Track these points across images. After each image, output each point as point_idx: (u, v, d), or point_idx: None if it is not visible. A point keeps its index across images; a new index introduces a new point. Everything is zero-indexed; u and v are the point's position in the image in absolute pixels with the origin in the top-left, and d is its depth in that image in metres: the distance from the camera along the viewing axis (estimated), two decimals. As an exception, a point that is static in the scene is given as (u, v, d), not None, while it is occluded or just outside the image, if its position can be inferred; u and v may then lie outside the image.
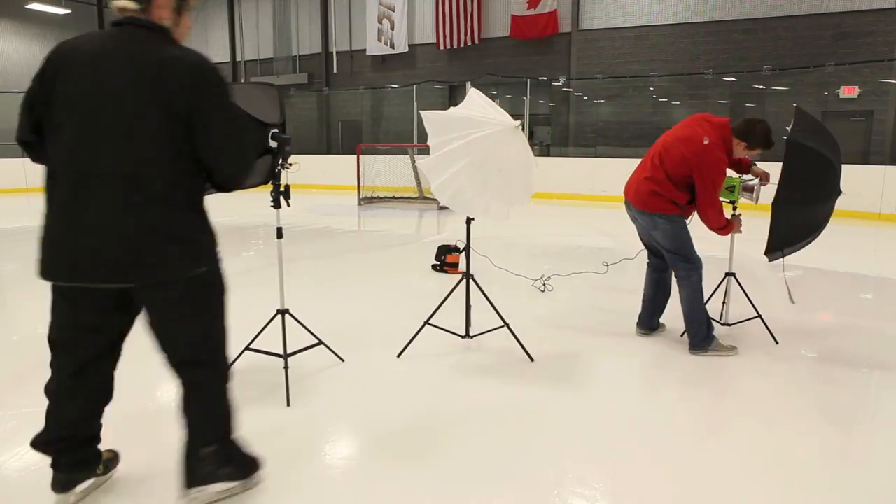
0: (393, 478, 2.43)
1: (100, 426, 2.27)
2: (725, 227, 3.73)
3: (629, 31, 14.53)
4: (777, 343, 3.99)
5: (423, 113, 3.53)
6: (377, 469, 2.50)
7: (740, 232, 3.85)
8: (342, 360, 3.61)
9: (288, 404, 3.04)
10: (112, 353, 2.22)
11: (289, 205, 3.03)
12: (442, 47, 16.58)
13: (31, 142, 2.02)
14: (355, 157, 13.15)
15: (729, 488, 2.38)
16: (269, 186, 3.01)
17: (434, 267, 6.15)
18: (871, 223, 10.13)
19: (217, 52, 20.78)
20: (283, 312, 3.27)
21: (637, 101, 14.57)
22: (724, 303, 4.23)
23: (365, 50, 18.02)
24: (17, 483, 2.38)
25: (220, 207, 10.80)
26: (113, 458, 2.39)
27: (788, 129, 3.61)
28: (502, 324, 3.76)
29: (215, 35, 20.73)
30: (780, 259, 3.92)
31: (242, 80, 19.99)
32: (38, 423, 2.88)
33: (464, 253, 3.90)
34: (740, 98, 13.37)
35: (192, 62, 1.90)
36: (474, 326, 3.89)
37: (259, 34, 20.00)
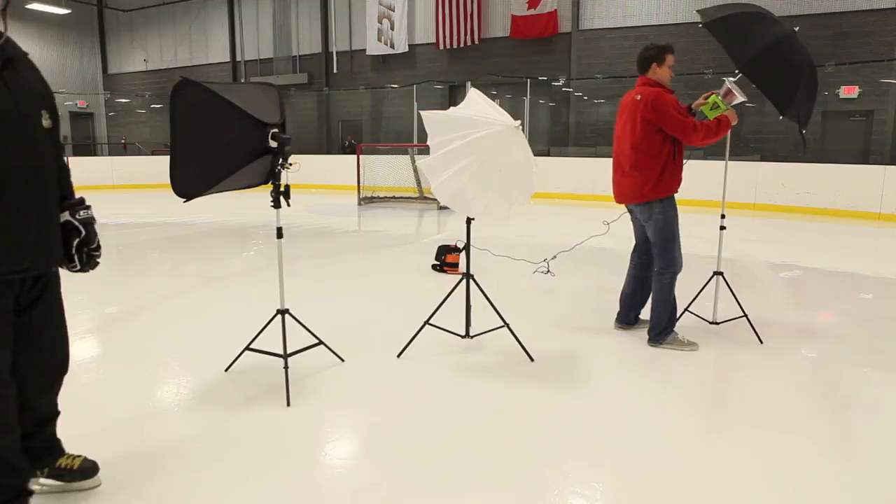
0: (393, 478, 2.43)
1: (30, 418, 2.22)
2: (719, 126, 3.70)
3: (629, 30, 14.53)
4: (762, 343, 3.98)
5: (422, 113, 3.53)
6: (377, 469, 2.50)
7: (736, 121, 3.81)
8: (342, 360, 3.61)
9: (288, 404, 3.04)
10: None
11: (289, 205, 3.03)
12: (442, 47, 16.58)
13: None
14: (355, 156, 13.15)
15: (729, 488, 2.38)
16: (269, 186, 3.01)
17: (434, 267, 6.15)
18: (871, 223, 10.14)
19: (217, 52, 20.79)
20: (283, 312, 3.27)
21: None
22: (715, 302, 4.25)
23: (365, 50, 18.02)
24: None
25: (221, 207, 10.77)
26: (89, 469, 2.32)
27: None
28: (502, 324, 3.76)
29: (215, 35, 20.73)
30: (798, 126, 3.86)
31: (242, 80, 19.99)
32: (38, 423, 2.88)
33: (464, 253, 3.90)
34: (740, 98, 13.36)
35: None
36: (474, 326, 3.89)
37: (259, 34, 20.00)
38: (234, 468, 2.48)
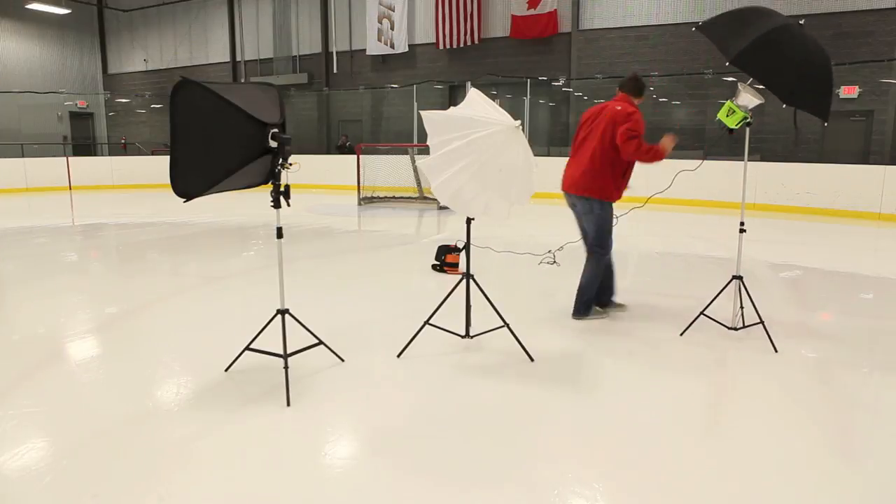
0: (393, 477, 2.43)
1: None
2: (650, 152, 4.01)
3: (629, 30, 14.53)
4: (777, 352, 3.88)
5: (422, 113, 3.53)
6: (377, 469, 2.50)
7: (667, 152, 4.05)
8: (342, 360, 3.61)
9: (288, 404, 3.04)
10: None
11: (289, 205, 3.04)
12: (442, 47, 16.57)
13: None
14: (355, 156, 13.15)
15: (729, 488, 2.38)
16: (269, 186, 3.01)
17: (434, 267, 6.15)
18: (871, 223, 10.13)
19: (217, 52, 20.78)
20: (283, 312, 3.27)
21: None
22: (741, 307, 4.09)
23: (365, 50, 18.01)
24: (17, 483, 2.38)
25: (221, 207, 10.78)
26: None
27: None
28: (502, 324, 3.76)
29: (215, 35, 20.73)
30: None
31: (242, 80, 19.99)
32: (38, 423, 2.90)
33: (464, 253, 3.90)
34: (740, 98, 13.35)
35: None
36: (474, 326, 3.89)
37: (259, 34, 19.99)
38: (235, 468, 2.48)
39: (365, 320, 4.55)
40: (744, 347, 3.93)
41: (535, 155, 3.45)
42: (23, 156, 16.18)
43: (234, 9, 20.25)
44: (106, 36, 23.24)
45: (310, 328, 3.48)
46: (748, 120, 3.82)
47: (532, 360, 3.67)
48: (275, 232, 3.17)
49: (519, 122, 3.24)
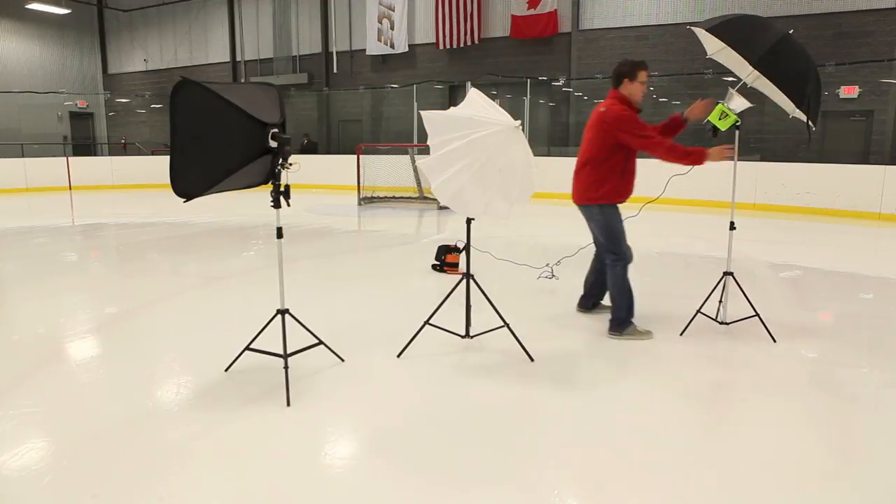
0: (393, 478, 2.43)
1: None
2: (690, 156, 3.84)
3: (629, 30, 14.53)
4: (775, 342, 3.98)
5: (423, 113, 3.53)
6: (377, 469, 2.50)
7: (729, 158, 3.91)
8: (342, 360, 3.61)
9: (288, 404, 3.04)
10: None
11: (289, 205, 3.04)
12: (442, 47, 16.57)
13: None
14: (355, 157, 13.15)
15: (729, 488, 2.38)
16: (269, 186, 3.01)
17: (434, 267, 6.15)
18: (871, 223, 10.13)
19: (217, 52, 20.78)
20: (283, 312, 3.27)
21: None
22: (720, 301, 4.25)
23: (365, 50, 18.01)
24: (17, 483, 2.38)
25: (221, 207, 10.78)
26: None
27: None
28: (502, 324, 3.76)
29: (215, 35, 20.73)
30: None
31: (242, 80, 19.99)
32: (38, 423, 2.90)
33: (464, 253, 3.91)
34: (740, 98, 13.36)
35: None
36: (474, 326, 3.89)
37: (259, 34, 19.99)
38: (234, 468, 2.48)
39: (365, 320, 4.55)
40: (744, 347, 3.93)
41: (535, 155, 3.46)
42: (23, 156, 16.18)
43: (234, 9, 20.25)
44: (106, 36, 23.24)
45: (310, 328, 3.48)
46: (738, 123, 3.88)
47: (532, 360, 3.67)
48: (275, 232, 3.17)
49: (519, 122, 3.24)
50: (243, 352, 3.40)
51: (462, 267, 5.87)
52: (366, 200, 12.88)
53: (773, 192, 11.41)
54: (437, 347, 3.84)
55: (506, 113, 3.35)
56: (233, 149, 2.85)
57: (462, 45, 16.35)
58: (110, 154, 21.16)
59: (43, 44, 21.51)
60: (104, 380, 3.46)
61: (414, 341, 3.79)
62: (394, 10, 17.24)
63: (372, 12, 17.59)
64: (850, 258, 7.39)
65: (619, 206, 4.12)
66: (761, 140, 12.48)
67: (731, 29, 3.91)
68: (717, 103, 3.85)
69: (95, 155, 21.56)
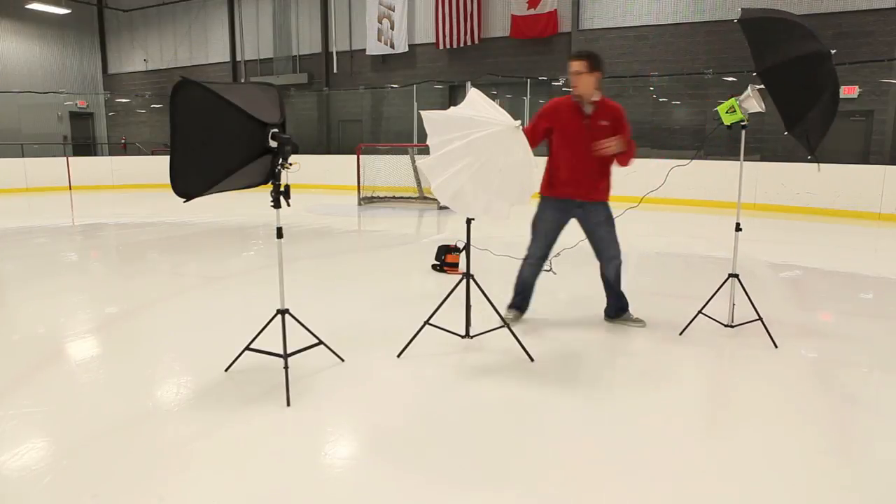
0: (393, 478, 2.43)
1: None
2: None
3: (629, 30, 14.52)
4: (776, 348, 3.94)
5: (422, 113, 3.53)
6: (377, 469, 2.50)
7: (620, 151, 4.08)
8: (342, 360, 3.61)
9: (288, 404, 3.03)
10: None
11: (289, 205, 3.04)
12: (442, 47, 16.57)
13: None
14: (355, 156, 13.15)
15: (729, 488, 2.38)
16: (269, 186, 3.01)
17: (434, 267, 6.15)
18: (871, 223, 10.14)
19: (217, 52, 20.78)
20: (283, 312, 3.27)
21: (637, 100, 14.56)
22: (732, 304, 4.16)
23: (365, 50, 18.01)
24: (17, 483, 2.38)
25: (221, 207, 10.76)
26: None
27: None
28: (502, 324, 3.76)
29: (215, 35, 20.72)
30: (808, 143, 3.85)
31: (242, 80, 19.99)
32: (38, 423, 2.90)
33: (464, 253, 3.91)
34: (740, 98, 13.36)
35: None
36: (474, 326, 3.89)
37: (259, 34, 19.99)
38: (234, 468, 2.48)
39: (365, 320, 4.55)
40: (744, 347, 3.93)
41: (535, 155, 3.45)
42: (23, 156, 16.18)
43: (234, 9, 20.25)
44: (106, 36, 23.23)
45: (310, 328, 3.48)
46: (744, 122, 3.83)
47: (532, 360, 3.67)
48: (275, 232, 3.17)
49: (519, 122, 3.24)
50: (243, 352, 3.40)
51: (462, 267, 5.87)
52: (366, 200, 12.88)
53: (773, 192, 11.41)
54: (437, 347, 3.84)
55: (506, 113, 3.35)
56: (233, 149, 2.85)
57: (462, 45, 16.34)
58: (110, 154, 21.17)
59: (43, 44, 21.50)
60: (104, 380, 3.46)
61: (414, 341, 3.79)
62: (394, 10, 17.24)
63: (372, 12, 17.59)
64: (850, 258, 7.39)
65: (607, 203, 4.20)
66: (762, 140, 12.48)
67: (754, 28, 3.78)
68: (732, 97, 3.81)
69: (95, 155, 21.56)
